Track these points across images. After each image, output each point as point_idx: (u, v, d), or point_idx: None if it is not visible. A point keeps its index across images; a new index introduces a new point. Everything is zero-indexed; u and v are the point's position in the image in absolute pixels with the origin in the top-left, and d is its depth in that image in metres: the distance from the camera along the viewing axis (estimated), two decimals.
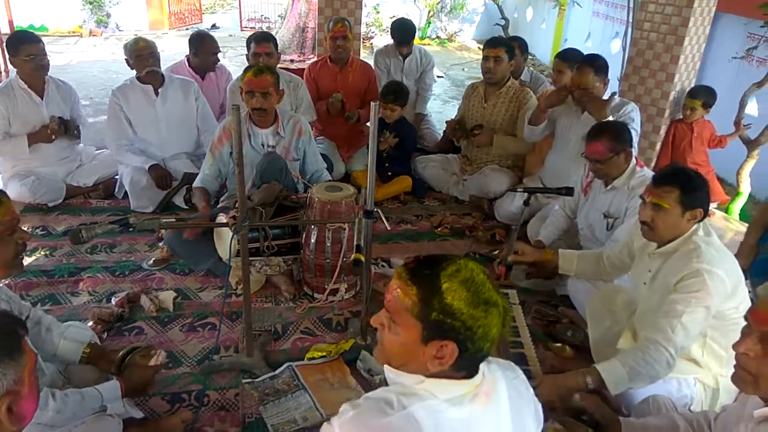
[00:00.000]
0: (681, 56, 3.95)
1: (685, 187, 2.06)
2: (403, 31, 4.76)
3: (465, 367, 1.20)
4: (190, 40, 4.23)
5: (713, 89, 4.08)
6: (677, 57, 3.96)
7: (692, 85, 4.30)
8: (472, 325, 1.14)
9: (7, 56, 5.53)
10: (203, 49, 4.17)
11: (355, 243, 2.07)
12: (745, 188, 4.18)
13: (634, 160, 2.82)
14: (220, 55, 4.34)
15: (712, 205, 4.06)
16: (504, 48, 3.92)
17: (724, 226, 3.98)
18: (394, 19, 11.12)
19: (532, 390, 1.36)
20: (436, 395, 1.16)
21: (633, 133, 3.00)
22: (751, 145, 4.09)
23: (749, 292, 2.77)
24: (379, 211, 2.30)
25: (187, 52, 4.27)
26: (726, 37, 5.23)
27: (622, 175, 2.81)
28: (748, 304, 2.09)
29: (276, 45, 3.96)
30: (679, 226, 2.10)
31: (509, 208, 3.74)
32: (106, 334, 2.58)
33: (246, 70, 3.10)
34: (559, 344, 2.67)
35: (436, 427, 1.13)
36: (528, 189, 3.04)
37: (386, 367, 1.24)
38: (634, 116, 3.32)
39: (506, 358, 2.17)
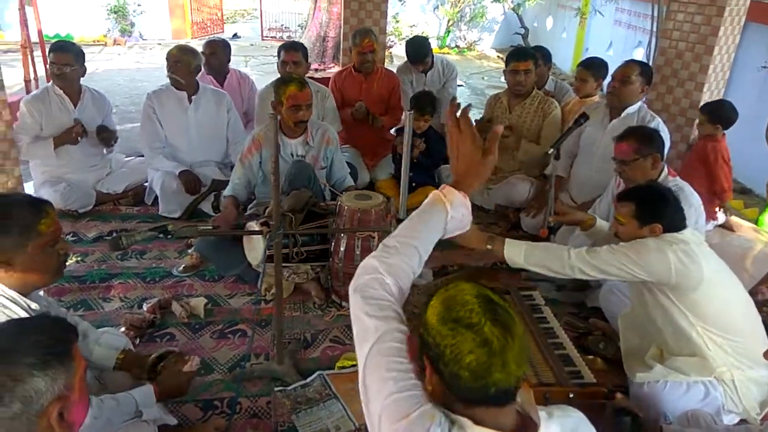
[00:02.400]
0: (711, 66, 3.91)
1: (639, 204, 2.19)
2: (415, 50, 4.73)
3: (471, 400, 1.07)
4: (203, 47, 4.27)
5: (730, 109, 3.78)
6: (707, 66, 3.92)
7: (721, 95, 4.25)
8: (439, 343, 1.07)
9: (36, 64, 5.70)
10: (215, 54, 4.22)
11: None
12: None
13: (666, 169, 2.79)
14: (242, 64, 4.39)
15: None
16: (533, 60, 3.90)
17: (755, 237, 3.92)
18: (413, 27, 11.25)
19: None
20: None
21: None
22: None
23: None
24: None
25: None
26: (754, 47, 5.18)
27: None
28: (735, 298, 2.19)
29: (306, 55, 4.00)
30: (641, 238, 2.19)
31: (535, 217, 3.72)
32: (138, 340, 2.60)
33: (283, 83, 3.10)
34: (591, 356, 2.64)
35: None
36: (554, 144, 2.92)
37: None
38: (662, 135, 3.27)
39: (551, 361, 2.19)
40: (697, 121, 3.96)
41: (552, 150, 2.76)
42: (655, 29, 5.24)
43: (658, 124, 3.35)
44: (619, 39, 8.22)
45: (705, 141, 3.83)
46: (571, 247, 2.27)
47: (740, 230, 3.99)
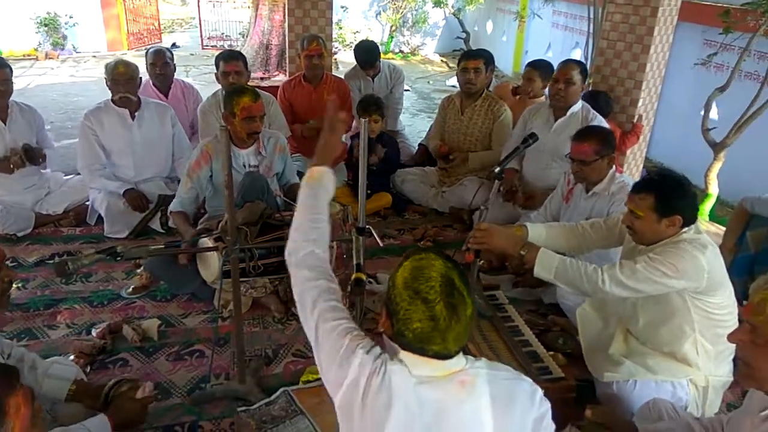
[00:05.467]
0: (648, 64, 4.05)
1: (659, 195, 2.07)
2: (366, 54, 4.79)
3: (413, 351, 1.25)
4: (146, 56, 4.23)
5: (603, 103, 3.96)
6: (644, 65, 4.06)
7: (659, 92, 4.42)
8: (398, 302, 1.24)
9: None
10: (168, 63, 4.17)
11: (354, 262, 2.04)
12: (714, 190, 4.31)
13: (613, 166, 2.87)
14: (183, 74, 4.27)
15: None
16: (482, 59, 4.00)
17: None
18: (356, 33, 11.25)
19: (539, 401, 1.33)
20: (409, 369, 1.25)
21: None
22: (717, 147, 4.21)
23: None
24: (371, 228, 2.26)
25: (146, 73, 4.19)
26: (686, 45, 5.41)
27: (603, 180, 2.86)
28: (734, 305, 2.14)
29: (245, 63, 3.89)
30: (659, 232, 2.11)
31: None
32: (89, 368, 2.47)
33: (236, 94, 3.00)
34: (551, 352, 2.67)
35: (405, 397, 1.23)
36: (500, 163, 2.70)
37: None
38: None
39: (520, 358, 2.19)
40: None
41: (498, 168, 2.60)
42: (591, 30, 5.40)
43: (601, 121, 3.47)
44: (558, 41, 8.45)
45: None
46: (604, 269, 2.14)
47: None
